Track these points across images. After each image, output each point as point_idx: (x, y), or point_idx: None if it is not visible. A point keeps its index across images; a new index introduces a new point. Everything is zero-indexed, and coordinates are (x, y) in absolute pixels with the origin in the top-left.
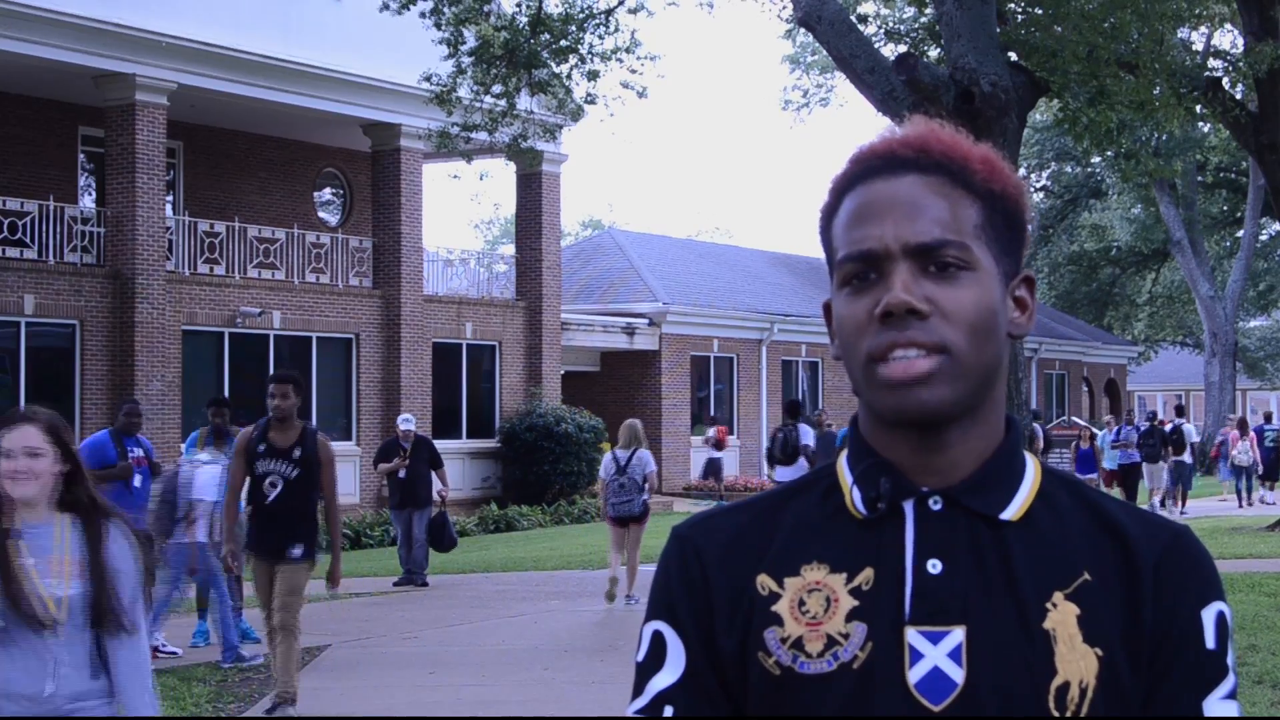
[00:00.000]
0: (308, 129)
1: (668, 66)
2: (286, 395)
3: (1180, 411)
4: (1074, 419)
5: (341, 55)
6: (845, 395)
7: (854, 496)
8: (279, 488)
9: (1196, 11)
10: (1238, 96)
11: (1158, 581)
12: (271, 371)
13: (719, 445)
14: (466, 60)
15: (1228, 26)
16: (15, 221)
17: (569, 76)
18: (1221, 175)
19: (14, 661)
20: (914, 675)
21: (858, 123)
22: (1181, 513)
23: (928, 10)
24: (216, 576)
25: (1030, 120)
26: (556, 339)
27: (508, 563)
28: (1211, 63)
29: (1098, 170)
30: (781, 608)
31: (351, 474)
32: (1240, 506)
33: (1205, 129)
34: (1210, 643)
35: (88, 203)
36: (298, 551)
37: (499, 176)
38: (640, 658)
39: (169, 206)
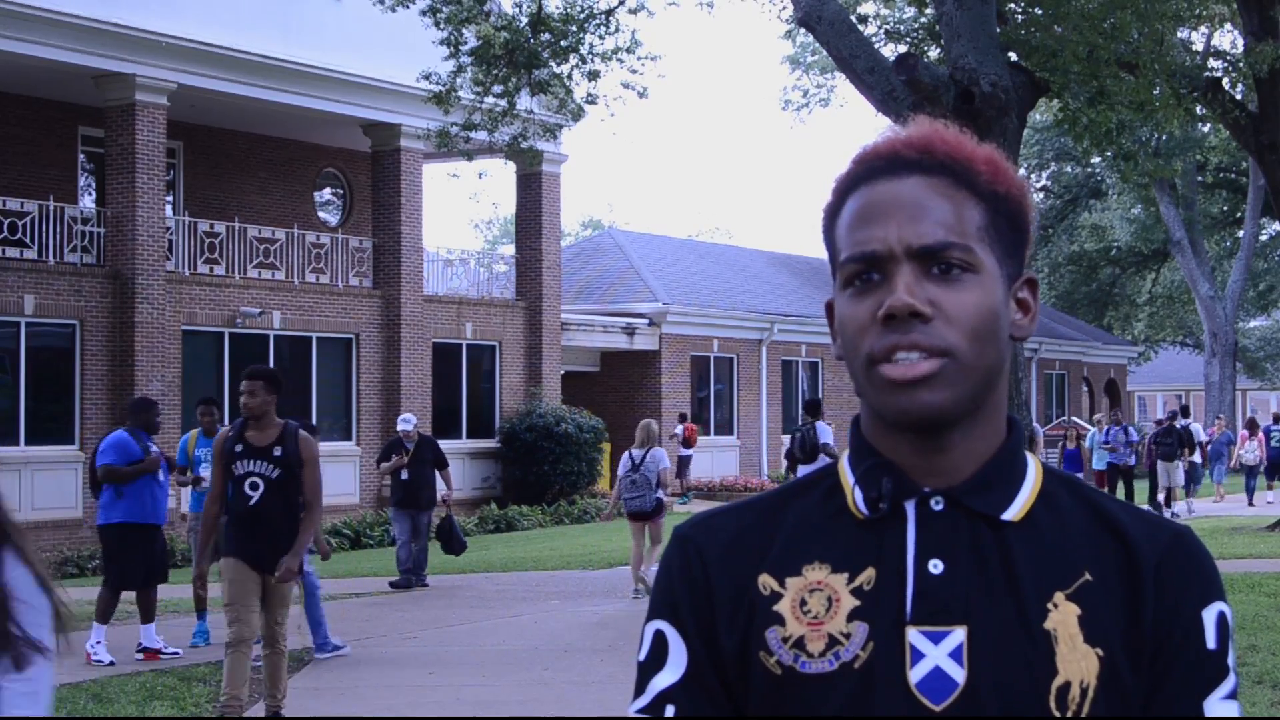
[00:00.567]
0: (308, 129)
1: (668, 66)
2: (254, 393)
3: (1185, 411)
4: (1074, 419)
5: (341, 55)
6: (846, 395)
7: (856, 497)
8: (260, 489)
9: (1196, 11)
10: (1238, 96)
11: (1159, 581)
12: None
13: (687, 443)
14: (466, 60)
15: (1228, 26)
16: (15, 221)
17: (569, 76)
18: (1221, 175)
19: None
20: (915, 675)
21: (858, 123)
22: (1190, 512)
23: (928, 10)
24: (307, 572)
25: (1030, 120)
26: (556, 339)
27: (508, 563)
28: (1211, 63)
29: (1098, 170)
30: (783, 607)
31: (351, 474)
32: (1250, 505)
33: (1205, 129)
34: (1211, 643)
35: (88, 203)
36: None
37: (499, 176)
38: (642, 657)
39: (169, 206)
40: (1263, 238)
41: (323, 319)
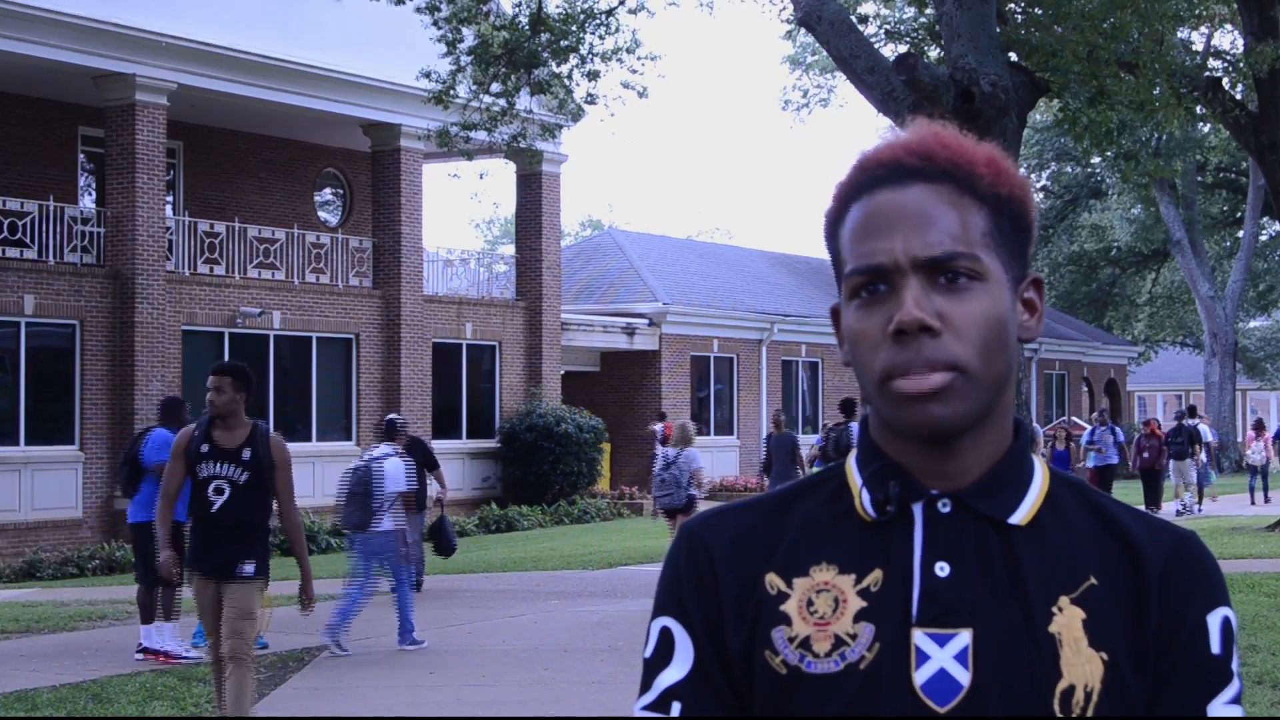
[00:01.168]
0: (308, 129)
1: (668, 67)
2: (222, 390)
3: (1193, 411)
4: (1074, 419)
5: (341, 55)
6: (846, 395)
7: (863, 499)
8: (226, 494)
9: (1196, 11)
10: (1238, 96)
11: (1164, 586)
12: (220, 366)
13: (664, 442)
14: (466, 59)
15: (1228, 26)
16: (15, 221)
17: (569, 76)
18: (1221, 175)
19: None
20: (920, 677)
21: (858, 123)
22: (1198, 510)
23: (928, 10)
24: (399, 567)
25: (1030, 120)
26: (556, 339)
27: (508, 563)
28: (1211, 63)
29: (1098, 170)
30: (790, 607)
31: None
32: (1253, 504)
33: (1205, 129)
34: (1215, 647)
35: (88, 203)
36: (249, 569)
37: (499, 176)
38: (648, 654)
39: (169, 206)
40: (1263, 238)
41: (323, 319)
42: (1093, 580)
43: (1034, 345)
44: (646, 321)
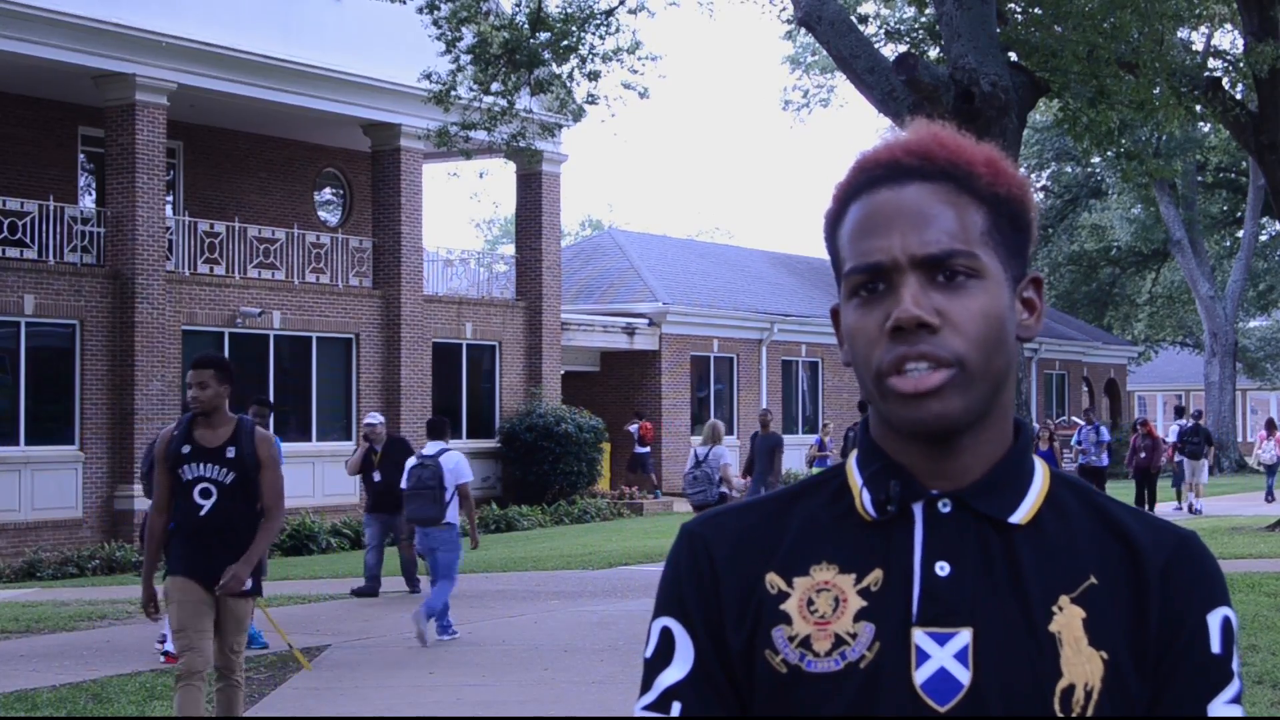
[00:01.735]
0: (308, 129)
1: (668, 67)
2: (206, 384)
3: (1180, 412)
4: (1074, 419)
5: (341, 55)
6: (845, 395)
7: (864, 498)
8: (213, 496)
9: (1196, 11)
10: (1238, 96)
11: (1164, 585)
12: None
13: (642, 441)
14: (466, 59)
15: (1228, 26)
16: (15, 221)
17: (570, 76)
18: (1221, 175)
19: None
20: (920, 676)
21: (858, 123)
22: (1201, 508)
23: (928, 10)
24: (455, 560)
25: (1030, 120)
26: (556, 339)
27: (508, 563)
28: (1211, 63)
29: (1098, 170)
30: (790, 606)
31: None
32: (1268, 500)
33: (1205, 129)
34: (1216, 647)
35: (88, 203)
36: (248, 583)
37: (499, 176)
38: (649, 654)
39: (169, 206)
40: (1263, 238)
41: (323, 319)
42: (1093, 580)
43: (1034, 345)
44: (646, 321)
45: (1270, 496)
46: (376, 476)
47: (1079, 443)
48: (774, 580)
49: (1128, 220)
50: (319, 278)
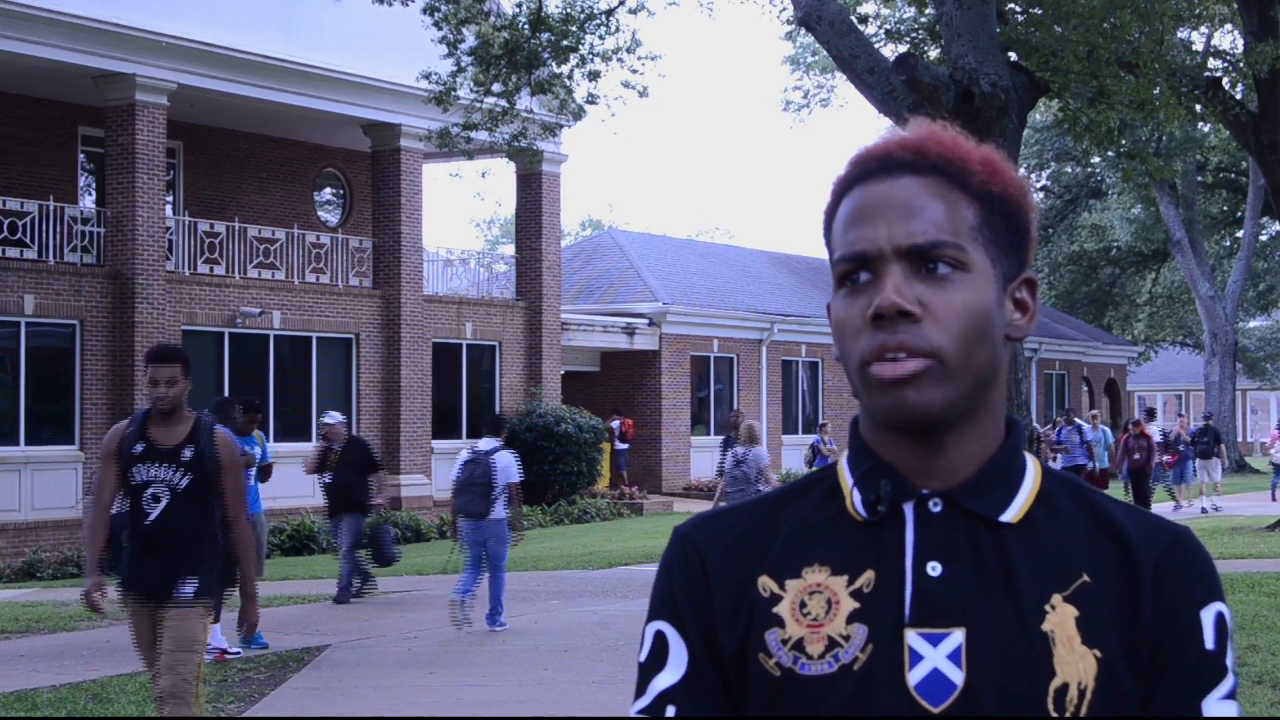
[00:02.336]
0: (308, 129)
1: (668, 67)
2: (174, 380)
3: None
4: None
5: (341, 55)
6: (845, 395)
7: (854, 499)
8: (164, 502)
9: (1196, 11)
10: (1238, 96)
11: (1157, 582)
12: (151, 351)
13: (623, 438)
14: (466, 60)
15: (1228, 26)
16: (15, 221)
17: (570, 76)
18: (1221, 175)
19: None
20: (914, 677)
21: (858, 123)
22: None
23: (928, 10)
24: (504, 552)
25: (1030, 120)
26: (556, 339)
27: (507, 563)
28: (1211, 63)
29: (1098, 170)
30: (783, 609)
31: None
32: (1274, 500)
33: (1205, 129)
34: (1209, 643)
35: (88, 203)
36: (189, 589)
37: (499, 176)
38: (643, 657)
39: (169, 206)
40: (1263, 238)
41: (323, 319)
42: (1085, 578)
43: (1034, 345)
44: (646, 321)
45: (1275, 496)
46: (327, 478)
47: (1061, 443)
48: (766, 583)
49: (1128, 220)
50: (319, 278)
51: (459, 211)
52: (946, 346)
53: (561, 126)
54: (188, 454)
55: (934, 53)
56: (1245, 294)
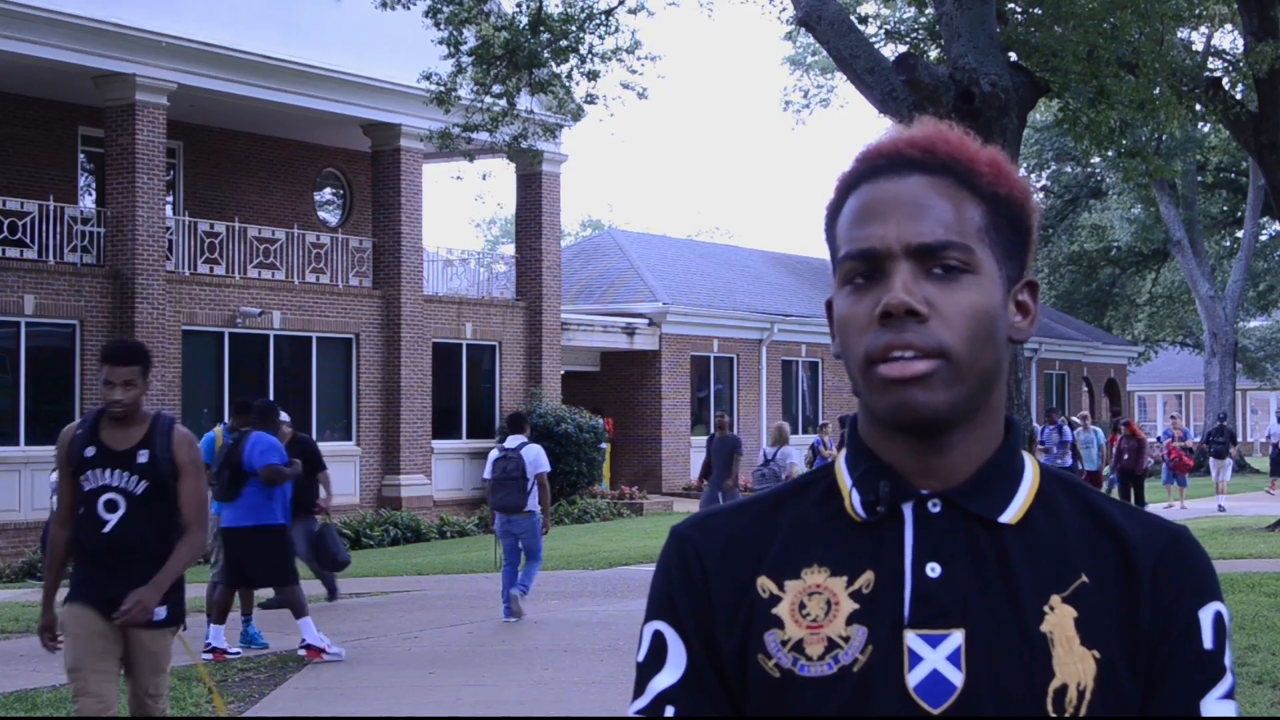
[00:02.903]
0: (308, 129)
1: (668, 67)
2: (132, 383)
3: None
4: (1074, 419)
5: (341, 55)
6: (845, 395)
7: (853, 499)
8: (120, 510)
9: (1196, 11)
10: (1238, 96)
11: (1155, 582)
12: (108, 348)
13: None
14: (467, 60)
15: (1228, 26)
16: (15, 221)
17: (569, 76)
18: (1221, 175)
19: None
20: (913, 678)
21: (858, 123)
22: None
23: (928, 10)
24: (540, 544)
25: (1030, 120)
26: (556, 339)
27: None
28: (1211, 63)
29: (1098, 170)
30: (782, 610)
31: (352, 474)
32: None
33: (1205, 129)
34: (1208, 643)
35: (88, 203)
36: (162, 612)
37: (499, 176)
38: (641, 658)
39: (169, 206)
40: (1263, 238)
41: (323, 319)
42: (1084, 578)
43: (1034, 345)
44: (646, 321)
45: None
46: None
47: (1042, 443)
48: (765, 584)
49: (1128, 220)
50: (319, 278)
51: (459, 211)
52: (954, 347)
53: (561, 127)
54: (143, 457)
55: (934, 53)
56: (1245, 294)
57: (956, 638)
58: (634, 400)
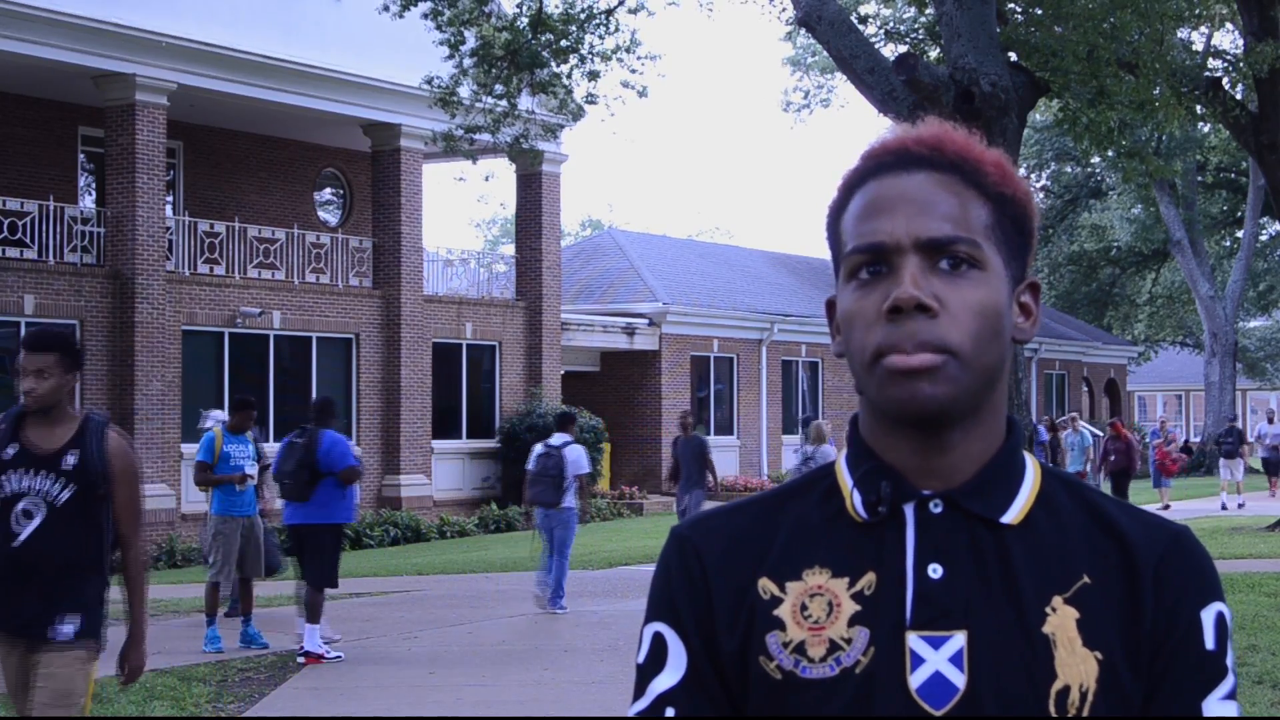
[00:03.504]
0: (308, 129)
1: (668, 67)
2: (45, 374)
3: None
4: (1058, 420)
5: (341, 55)
6: (846, 395)
7: (854, 500)
8: (37, 519)
9: (1196, 11)
10: (1238, 96)
11: (1157, 583)
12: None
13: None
14: (468, 61)
15: (1228, 26)
16: (15, 221)
17: (569, 76)
18: (1221, 175)
19: None
20: (915, 680)
21: (858, 124)
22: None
23: (928, 10)
24: (570, 538)
25: (1030, 120)
26: (556, 339)
27: (508, 563)
28: (1211, 63)
29: (1098, 170)
30: (783, 612)
31: None
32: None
33: (1205, 129)
34: (1210, 643)
35: (88, 203)
36: (67, 629)
37: (500, 176)
38: (641, 659)
39: (169, 206)
40: (1263, 238)
41: (323, 319)
42: (1086, 579)
43: (1034, 345)
44: (646, 321)
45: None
46: None
47: None
48: (766, 585)
49: (1128, 220)
50: (319, 278)
51: (459, 211)
52: (962, 343)
53: (561, 126)
54: (70, 461)
55: (934, 53)
56: (1245, 294)
57: (959, 639)
58: (634, 400)
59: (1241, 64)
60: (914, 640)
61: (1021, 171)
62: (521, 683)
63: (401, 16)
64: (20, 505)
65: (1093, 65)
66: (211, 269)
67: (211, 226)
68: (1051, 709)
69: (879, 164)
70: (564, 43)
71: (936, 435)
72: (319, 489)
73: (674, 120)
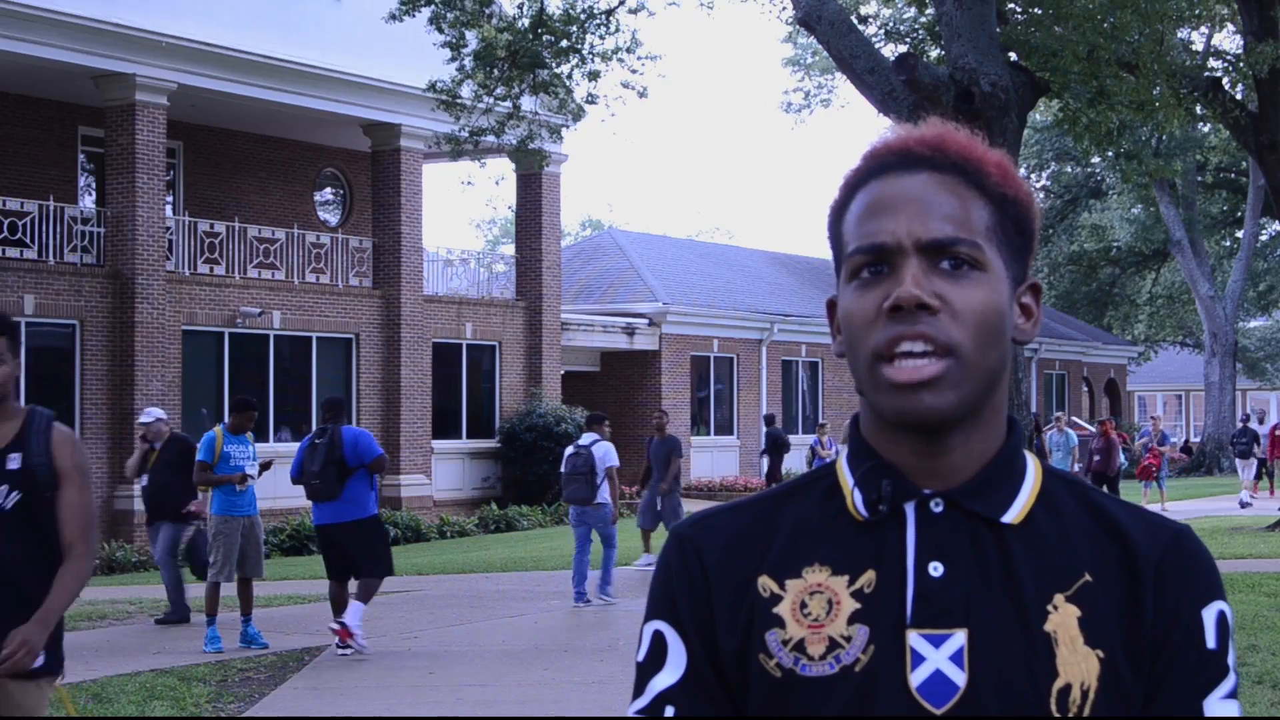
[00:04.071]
0: (308, 129)
1: (668, 67)
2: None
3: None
4: (1074, 419)
5: (341, 55)
6: (846, 395)
7: (855, 499)
8: None
9: (1196, 11)
10: (1238, 96)
11: (1159, 582)
12: None
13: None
14: (470, 63)
15: (1228, 26)
16: (15, 221)
17: (570, 77)
18: (1221, 175)
19: None
20: (916, 678)
21: (858, 124)
22: (1252, 502)
23: (928, 10)
24: (613, 531)
25: (1030, 120)
26: (556, 339)
27: (508, 563)
28: (1211, 63)
29: (1098, 170)
30: (783, 610)
31: None
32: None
33: (1205, 129)
34: (1211, 642)
35: (88, 203)
36: (39, 660)
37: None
38: (641, 658)
39: (169, 206)
40: (1263, 238)
41: (323, 319)
42: (1087, 577)
43: (1034, 345)
44: (646, 321)
45: None
46: (144, 480)
47: None
48: (766, 583)
49: (1128, 220)
50: (319, 278)
51: (459, 211)
52: (963, 344)
53: (562, 127)
54: (15, 463)
55: (934, 53)
56: (1245, 294)
57: (959, 637)
58: (634, 400)
59: (1241, 64)
60: (914, 638)
61: (1021, 171)
62: (521, 683)
63: (401, 21)
64: None
65: (1093, 65)
66: (211, 269)
67: (211, 226)
68: (1053, 707)
69: (881, 164)
70: (564, 43)
71: (937, 437)
72: (349, 484)
73: (674, 120)
